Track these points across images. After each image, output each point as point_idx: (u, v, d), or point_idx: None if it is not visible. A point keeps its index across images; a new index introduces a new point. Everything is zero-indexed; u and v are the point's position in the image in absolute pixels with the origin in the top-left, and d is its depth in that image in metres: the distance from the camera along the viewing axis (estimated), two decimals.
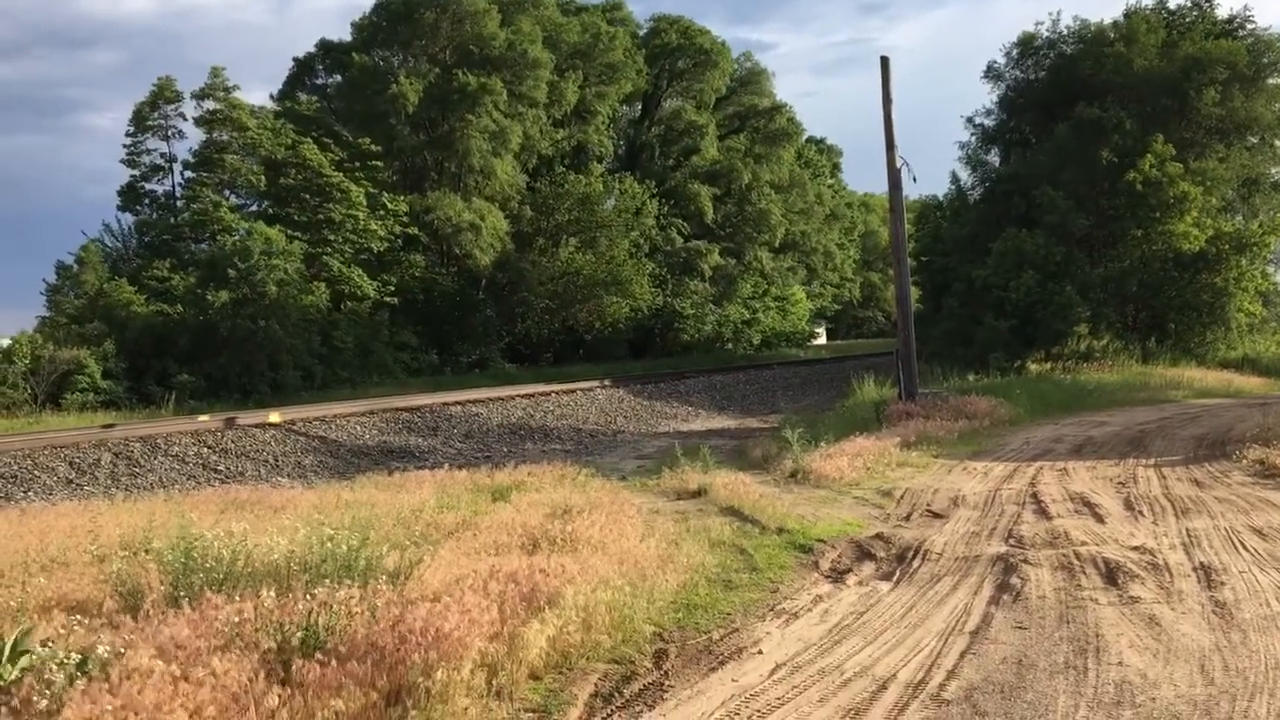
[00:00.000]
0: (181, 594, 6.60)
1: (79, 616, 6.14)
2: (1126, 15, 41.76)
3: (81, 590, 7.28)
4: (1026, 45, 43.60)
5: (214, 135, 38.68)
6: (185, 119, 38.94)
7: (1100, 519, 10.80)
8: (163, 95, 38.43)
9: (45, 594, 7.05)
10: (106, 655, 5.26)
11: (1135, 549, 9.18)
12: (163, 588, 6.81)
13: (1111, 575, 8.24)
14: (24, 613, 6.55)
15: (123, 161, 39.03)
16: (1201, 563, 8.58)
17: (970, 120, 45.11)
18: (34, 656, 5.22)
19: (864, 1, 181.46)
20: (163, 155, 39.30)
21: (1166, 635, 6.70)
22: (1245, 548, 9.12)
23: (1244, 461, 14.25)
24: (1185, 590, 7.78)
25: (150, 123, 38.68)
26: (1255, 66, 38.69)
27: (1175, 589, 7.82)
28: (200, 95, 38.67)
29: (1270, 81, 39.62)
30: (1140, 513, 11.11)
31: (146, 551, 7.47)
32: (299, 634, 5.73)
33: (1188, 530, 10.01)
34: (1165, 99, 38.33)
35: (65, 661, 5.11)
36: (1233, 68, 37.37)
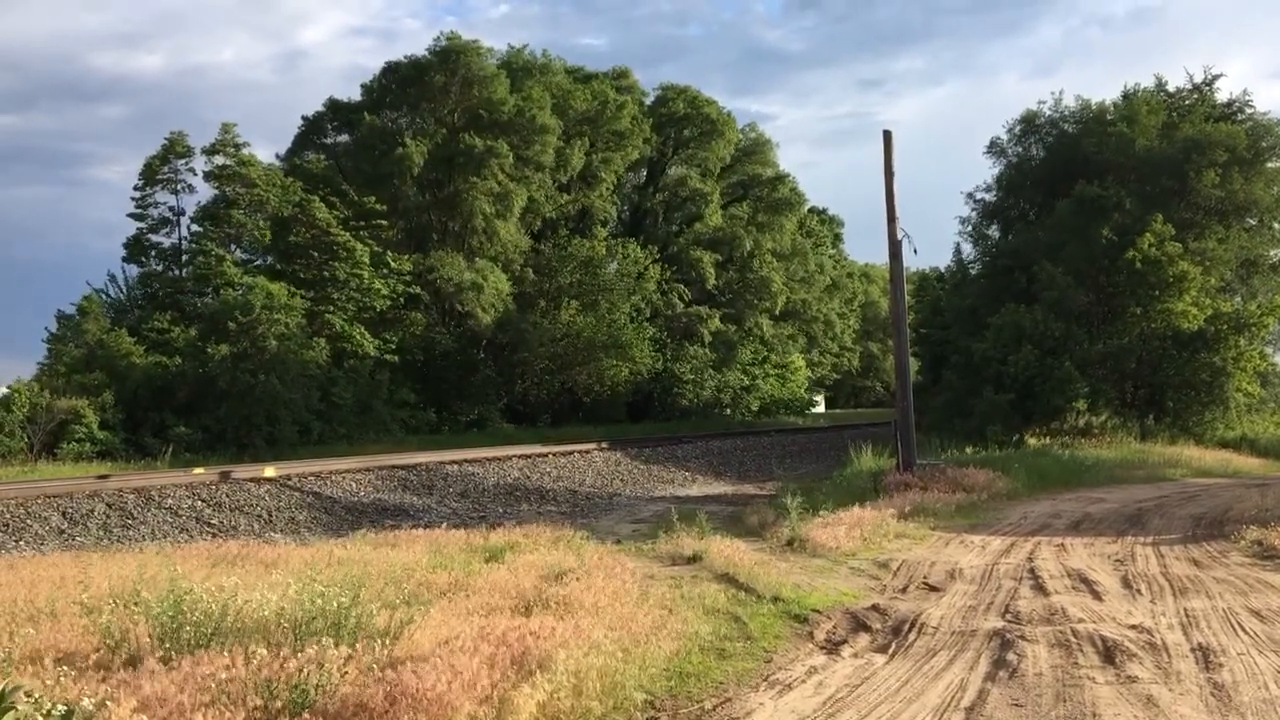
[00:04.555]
0: (169, 648, 6.53)
1: (65, 668, 6.08)
2: (1125, 96, 42.41)
3: (69, 641, 7.20)
4: (1029, 123, 44.24)
5: (223, 190, 39.02)
6: (195, 174, 39.37)
7: (1098, 596, 10.72)
8: (174, 150, 38.82)
9: (33, 644, 6.98)
10: (91, 709, 5.19)
11: (1133, 628, 9.10)
12: (150, 641, 6.74)
13: (1109, 654, 8.16)
14: (11, 664, 6.48)
15: (131, 214, 39.32)
16: (1200, 643, 8.50)
17: (971, 196, 45.67)
18: (19, 711, 5.15)
19: (864, 77, 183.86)
20: (171, 209, 39.64)
21: (1164, 716, 6.62)
22: (1244, 629, 9.04)
23: (1242, 542, 14.15)
24: (1183, 671, 7.70)
25: (160, 176, 39.02)
26: (1254, 150, 39.24)
27: (1173, 669, 7.74)
28: (210, 151, 39.09)
29: (1269, 165, 40.15)
30: (1138, 591, 11.03)
31: (136, 604, 7.40)
32: (287, 692, 5.67)
33: (1186, 610, 9.93)
34: (1165, 179, 38.78)
35: (50, 714, 5.04)
36: (1232, 151, 37.86)
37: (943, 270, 49.72)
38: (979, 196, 45.53)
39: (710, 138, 56.89)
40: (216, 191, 39.16)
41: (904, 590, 11.45)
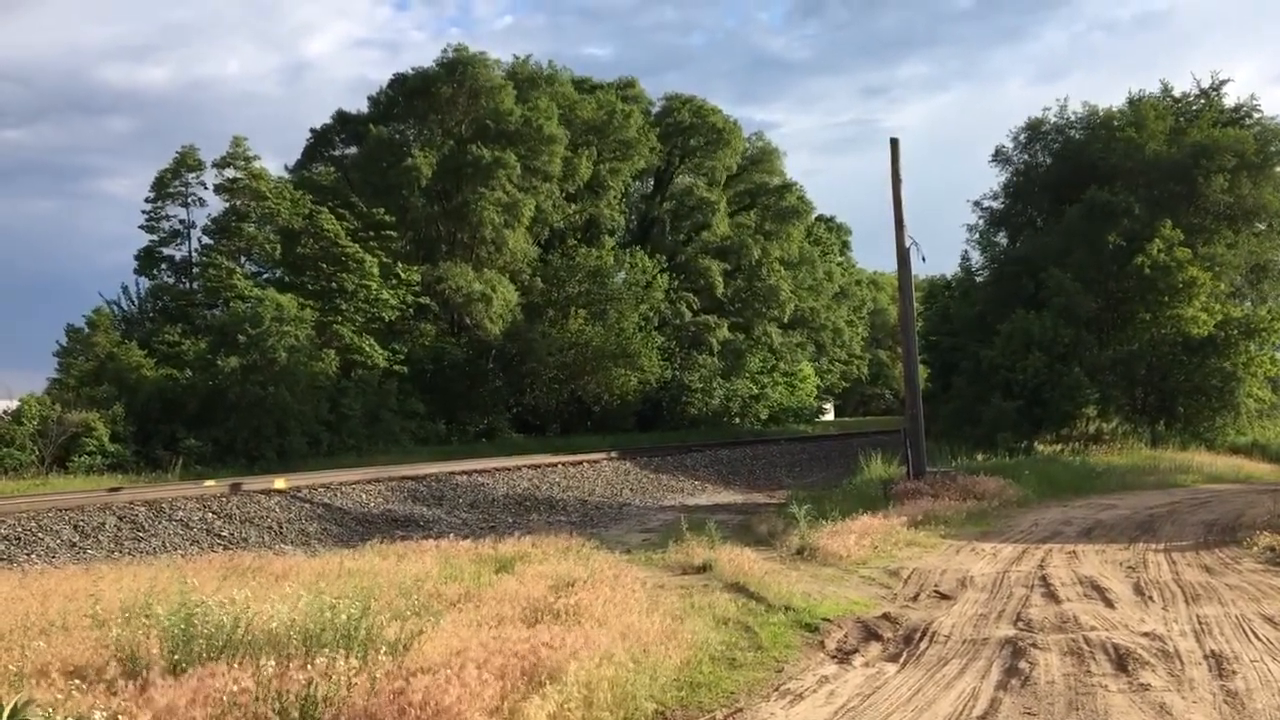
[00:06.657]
0: (180, 661, 6.54)
1: (77, 681, 6.08)
2: (1132, 102, 42.35)
3: (81, 655, 7.22)
4: (1035, 130, 44.19)
5: (233, 203, 39.15)
6: (206, 187, 39.51)
7: (1110, 604, 10.68)
8: (185, 163, 38.98)
9: (44, 658, 6.99)
10: None
11: (1145, 635, 9.07)
12: (161, 654, 6.75)
13: (1121, 661, 8.13)
14: (22, 677, 6.49)
15: (142, 227, 39.50)
16: (1213, 650, 8.46)
17: (978, 203, 45.59)
18: None
19: (868, 85, 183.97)
20: (182, 221, 39.79)
21: None
22: (1257, 636, 9.00)
23: (1255, 548, 14.11)
24: (1196, 678, 7.67)
25: (171, 189, 39.18)
26: (1263, 155, 39.12)
27: (1186, 677, 7.71)
28: (221, 164, 39.20)
29: (1278, 169, 40.00)
30: (1150, 598, 10.99)
31: (147, 617, 7.42)
32: (298, 704, 5.67)
33: (1198, 617, 9.89)
34: (1174, 184, 38.68)
35: None
36: (1240, 155, 37.77)
37: (950, 277, 49.60)
38: (986, 204, 45.51)
39: (717, 147, 57.00)
40: (227, 204, 39.32)
41: (915, 598, 11.42)
